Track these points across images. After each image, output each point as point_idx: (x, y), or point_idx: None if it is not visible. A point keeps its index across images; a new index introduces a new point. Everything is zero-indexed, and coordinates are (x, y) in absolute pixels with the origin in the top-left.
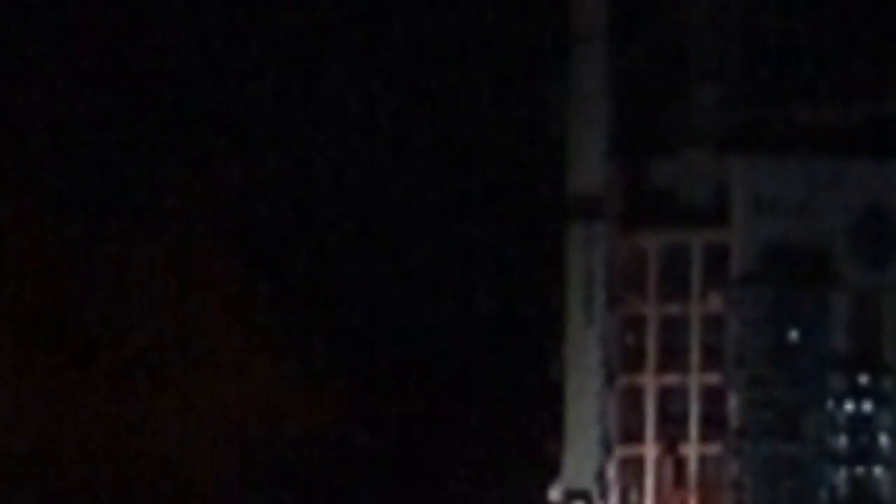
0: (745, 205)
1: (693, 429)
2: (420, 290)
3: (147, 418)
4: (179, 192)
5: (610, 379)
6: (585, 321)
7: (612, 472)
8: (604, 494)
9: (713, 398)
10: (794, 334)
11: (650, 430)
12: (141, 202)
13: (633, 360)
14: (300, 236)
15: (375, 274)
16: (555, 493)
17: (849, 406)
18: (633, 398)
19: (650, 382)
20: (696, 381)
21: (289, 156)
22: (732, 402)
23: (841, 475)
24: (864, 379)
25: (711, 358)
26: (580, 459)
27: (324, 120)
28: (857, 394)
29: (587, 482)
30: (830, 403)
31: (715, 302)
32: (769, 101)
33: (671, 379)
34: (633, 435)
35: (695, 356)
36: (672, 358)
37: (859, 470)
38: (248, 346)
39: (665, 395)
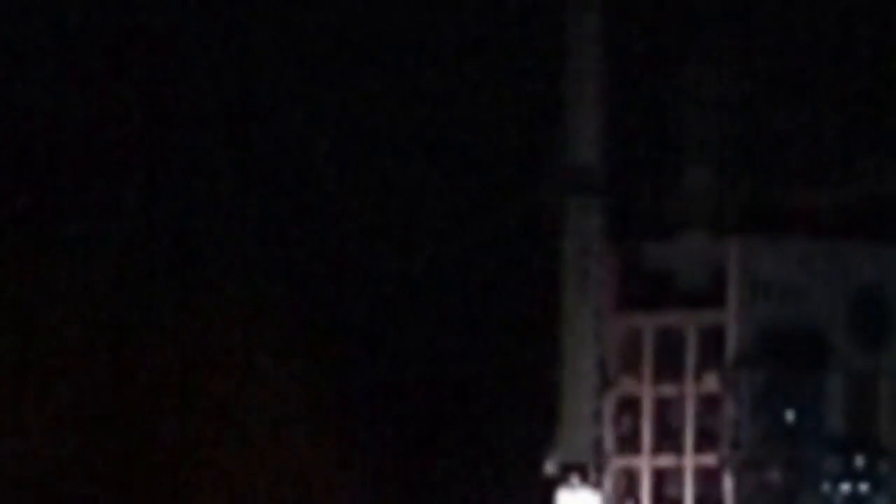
0: (740, 287)
1: None
2: (420, 284)
3: None
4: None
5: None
6: (581, 296)
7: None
8: (599, 467)
9: (708, 480)
10: (789, 416)
11: None
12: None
13: (627, 441)
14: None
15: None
16: (550, 467)
17: (845, 488)
18: (628, 480)
19: (645, 464)
20: (690, 462)
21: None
22: (728, 485)
23: None
24: (860, 461)
25: (706, 439)
26: (576, 433)
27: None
28: (854, 476)
29: (583, 455)
30: (826, 486)
31: (710, 383)
32: (764, 184)
33: (666, 461)
34: None
35: (689, 437)
36: (667, 439)
37: None
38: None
39: (660, 476)
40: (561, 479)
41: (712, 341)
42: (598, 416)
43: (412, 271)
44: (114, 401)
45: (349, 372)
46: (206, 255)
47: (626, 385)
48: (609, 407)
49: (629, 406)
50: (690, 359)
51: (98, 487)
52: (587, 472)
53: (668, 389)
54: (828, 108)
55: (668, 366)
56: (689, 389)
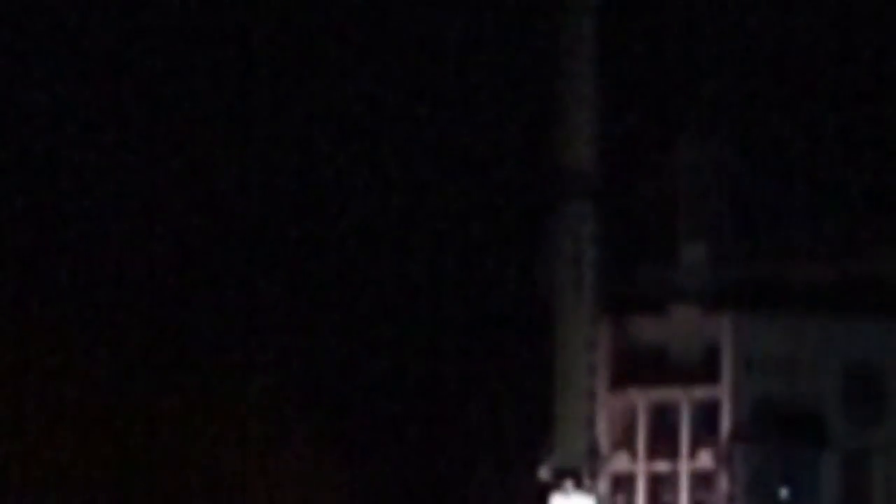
0: (734, 362)
1: None
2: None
3: None
4: None
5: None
6: (575, 300)
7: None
8: (593, 472)
9: None
10: (784, 493)
11: None
12: None
13: None
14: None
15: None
16: (544, 472)
17: None
18: None
19: None
20: None
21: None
22: None
23: None
24: None
25: None
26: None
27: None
28: None
29: (576, 460)
30: None
31: (705, 459)
32: (757, 259)
33: None
34: None
35: None
36: None
37: None
38: None
39: None
40: (555, 485)
41: (707, 417)
42: (591, 421)
43: (406, 274)
44: (113, 402)
45: (345, 375)
46: (204, 254)
47: (620, 462)
48: (604, 485)
49: (623, 483)
50: (685, 435)
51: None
52: (581, 478)
53: (662, 466)
54: (822, 184)
55: (663, 442)
56: (684, 466)
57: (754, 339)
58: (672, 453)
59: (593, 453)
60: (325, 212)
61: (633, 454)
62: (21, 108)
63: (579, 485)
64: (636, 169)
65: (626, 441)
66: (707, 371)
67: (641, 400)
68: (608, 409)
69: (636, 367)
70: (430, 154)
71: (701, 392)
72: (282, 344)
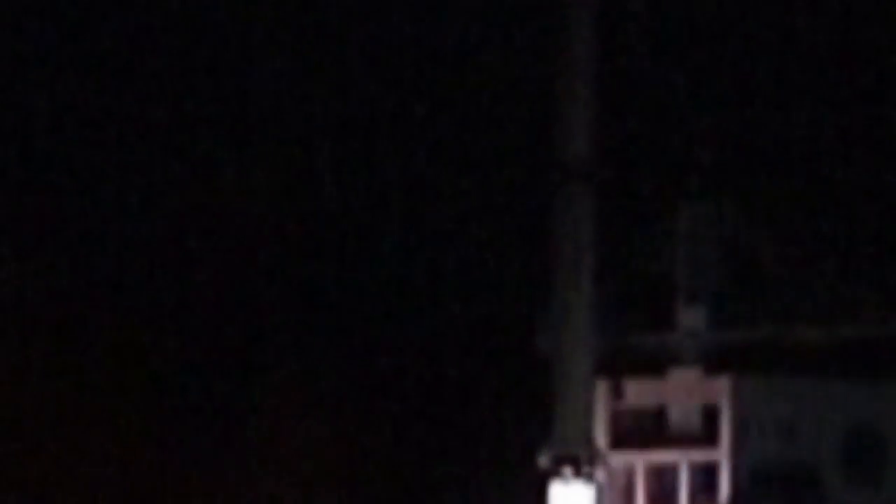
0: (733, 425)
1: None
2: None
3: None
4: None
5: None
6: (574, 286)
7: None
8: (592, 460)
9: None
10: None
11: None
12: None
13: None
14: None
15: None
16: (544, 460)
17: None
18: None
19: None
20: None
21: None
22: None
23: None
24: None
25: None
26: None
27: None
28: None
29: (575, 448)
30: None
31: None
32: (756, 322)
33: None
34: None
35: None
36: None
37: None
38: None
39: None
40: (554, 472)
41: (705, 480)
42: (589, 409)
43: (404, 265)
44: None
45: (344, 366)
46: (202, 252)
47: None
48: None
49: None
50: (683, 497)
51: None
52: (580, 465)
53: None
54: (821, 249)
55: None
56: None
57: (753, 401)
58: None
59: (591, 441)
60: (323, 210)
61: None
62: (22, 105)
63: (578, 472)
64: (634, 233)
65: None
66: (706, 434)
67: (640, 462)
68: (606, 471)
69: (634, 430)
70: (427, 153)
71: (700, 455)
72: (279, 342)
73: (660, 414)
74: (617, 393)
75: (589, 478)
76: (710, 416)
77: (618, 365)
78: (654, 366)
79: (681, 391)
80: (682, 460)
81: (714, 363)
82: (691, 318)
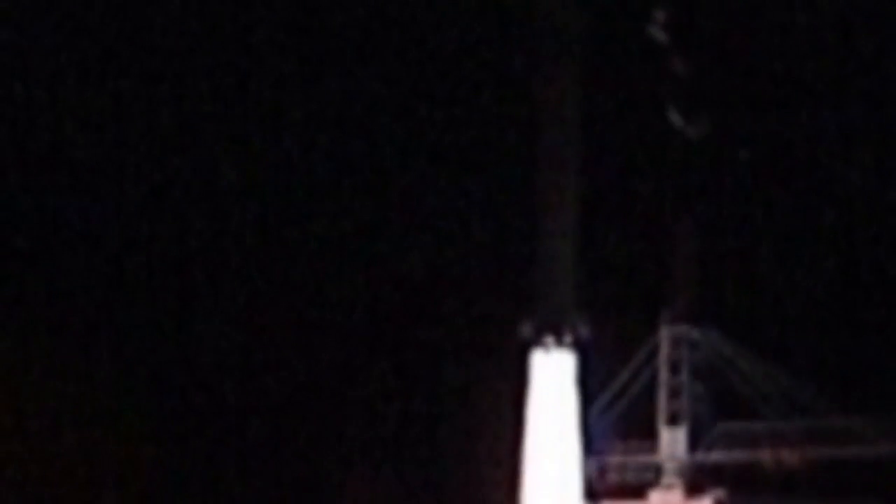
0: None
1: None
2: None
3: None
4: None
5: None
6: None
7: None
8: (574, 328)
9: None
10: None
11: None
12: None
13: None
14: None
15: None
16: (525, 329)
17: None
18: None
19: None
20: None
21: None
22: None
23: None
24: None
25: None
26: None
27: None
28: None
29: (557, 316)
30: None
31: None
32: (737, 443)
33: None
34: None
35: None
36: None
37: None
38: None
39: None
40: (535, 342)
41: None
42: (572, 277)
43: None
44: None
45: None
46: (200, 252)
47: None
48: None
49: None
50: None
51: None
52: (562, 333)
53: None
54: (804, 367)
55: None
56: None
57: None
58: None
59: (573, 309)
60: (321, 210)
61: None
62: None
63: (560, 341)
64: (616, 352)
65: None
66: None
67: None
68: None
69: None
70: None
71: None
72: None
73: None
74: None
75: (571, 346)
76: None
77: (599, 487)
78: (636, 488)
79: None
80: None
81: (695, 485)
82: (672, 438)
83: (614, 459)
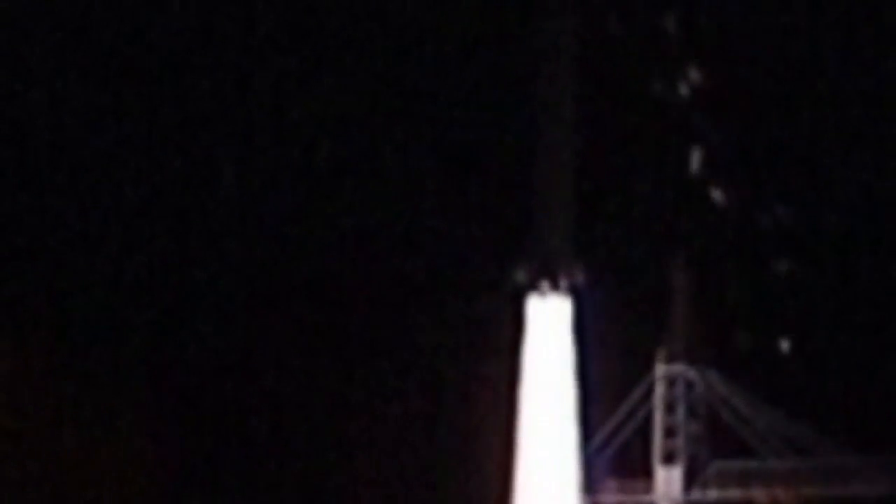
0: None
1: None
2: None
3: None
4: None
5: None
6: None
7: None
8: (570, 273)
9: None
10: None
11: None
12: None
13: None
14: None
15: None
16: (520, 274)
17: None
18: None
19: None
20: None
21: None
22: None
23: None
24: None
25: None
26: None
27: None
28: None
29: (554, 262)
30: None
31: None
32: (731, 482)
33: None
34: None
35: None
36: None
37: None
38: None
39: None
40: (531, 287)
41: None
42: (569, 221)
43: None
44: None
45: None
46: (191, 251)
47: None
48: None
49: None
50: None
51: None
52: (558, 279)
53: None
54: (799, 406)
55: None
56: None
57: None
58: None
59: (570, 254)
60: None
61: None
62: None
63: (556, 286)
64: (612, 390)
65: None
66: None
67: None
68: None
69: None
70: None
71: None
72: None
73: None
74: None
75: (567, 291)
76: None
77: None
78: None
79: None
80: None
81: None
82: (667, 478)
83: (610, 498)
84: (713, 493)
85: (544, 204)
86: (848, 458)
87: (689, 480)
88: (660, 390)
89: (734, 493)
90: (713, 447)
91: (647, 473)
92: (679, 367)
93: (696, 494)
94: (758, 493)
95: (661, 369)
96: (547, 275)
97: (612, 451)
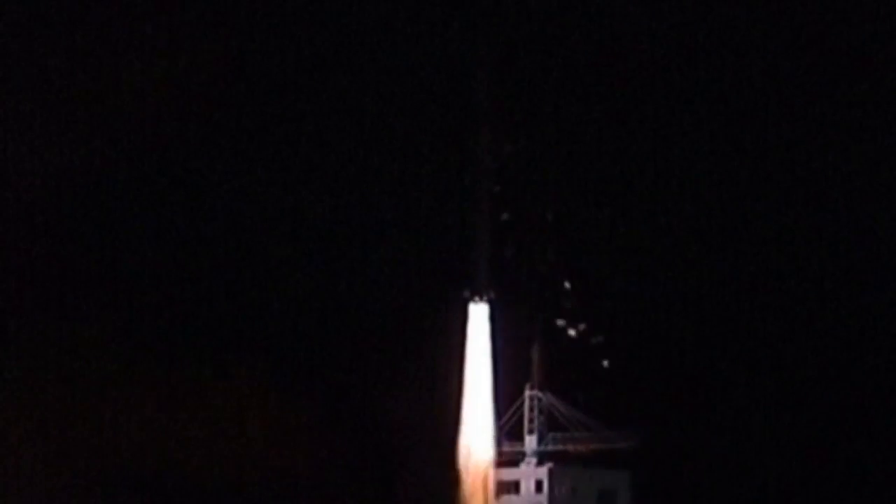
0: None
1: None
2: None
3: None
4: None
5: None
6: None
7: None
8: (488, 290)
9: None
10: None
11: None
12: None
13: None
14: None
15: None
16: (466, 292)
17: None
18: None
19: None
20: None
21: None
22: None
23: None
24: None
25: None
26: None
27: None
28: None
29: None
30: None
31: None
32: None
33: None
34: None
35: None
36: None
37: None
38: None
39: None
40: (471, 299)
41: None
42: (487, 266)
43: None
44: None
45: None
46: (183, 249)
47: None
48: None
49: None
50: None
51: None
52: (482, 295)
53: None
54: None
55: None
56: None
57: None
58: None
59: (485, 281)
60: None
61: None
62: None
63: (481, 299)
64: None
65: None
66: None
67: None
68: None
69: None
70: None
71: None
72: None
73: None
74: None
75: (486, 302)
76: None
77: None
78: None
79: None
80: None
81: (539, 461)
82: (530, 441)
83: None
84: (549, 447)
85: (479, 254)
86: (612, 433)
87: (539, 441)
88: (527, 401)
89: (559, 447)
90: (550, 427)
91: (521, 438)
92: (535, 392)
93: (542, 447)
94: (570, 447)
95: (527, 393)
96: (477, 292)
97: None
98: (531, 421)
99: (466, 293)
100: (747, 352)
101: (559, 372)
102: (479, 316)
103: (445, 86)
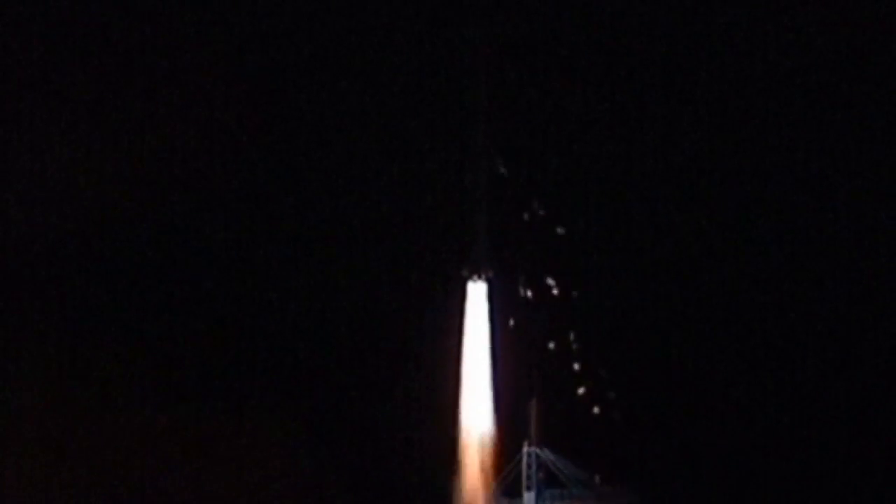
0: None
1: None
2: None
3: None
4: None
5: None
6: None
7: None
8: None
9: None
10: None
11: None
12: None
13: None
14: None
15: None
16: (465, 271)
17: None
18: None
19: None
20: None
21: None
22: None
23: None
24: None
25: None
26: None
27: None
28: None
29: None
30: None
31: None
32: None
33: None
34: None
35: None
36: None
37: None
38: None
39: None
40: (469, 278)
41: None
42: (486, 244)
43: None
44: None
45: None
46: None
47: None
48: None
49: None
50: None
51: None
52: (481, 273)
53: None
54: None
55: None
56: None
57: None
58: None
59: (487, 259)
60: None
61: None
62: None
63: (480, 276)
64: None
65: None
66: None
67: None
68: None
69: None
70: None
71: None
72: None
73: None
74: None
75: (485, 280)
76: None
77: None
78: None
79: None
80: None
81: None
82: (529, 498)
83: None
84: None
85: (476, 233)
86: (611, 489)
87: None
88: (525, 458)
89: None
90: (549, 484)
91: (519, 496)
92: (534, 448)
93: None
94: None
95: (525, 449)
96: (476, 271)
97: (503, 488)
98: (529, 478)
99: (465, 272)
100: (753, 407)
101: (558, 427)
102: (477, 295)
103: (446, 72)
